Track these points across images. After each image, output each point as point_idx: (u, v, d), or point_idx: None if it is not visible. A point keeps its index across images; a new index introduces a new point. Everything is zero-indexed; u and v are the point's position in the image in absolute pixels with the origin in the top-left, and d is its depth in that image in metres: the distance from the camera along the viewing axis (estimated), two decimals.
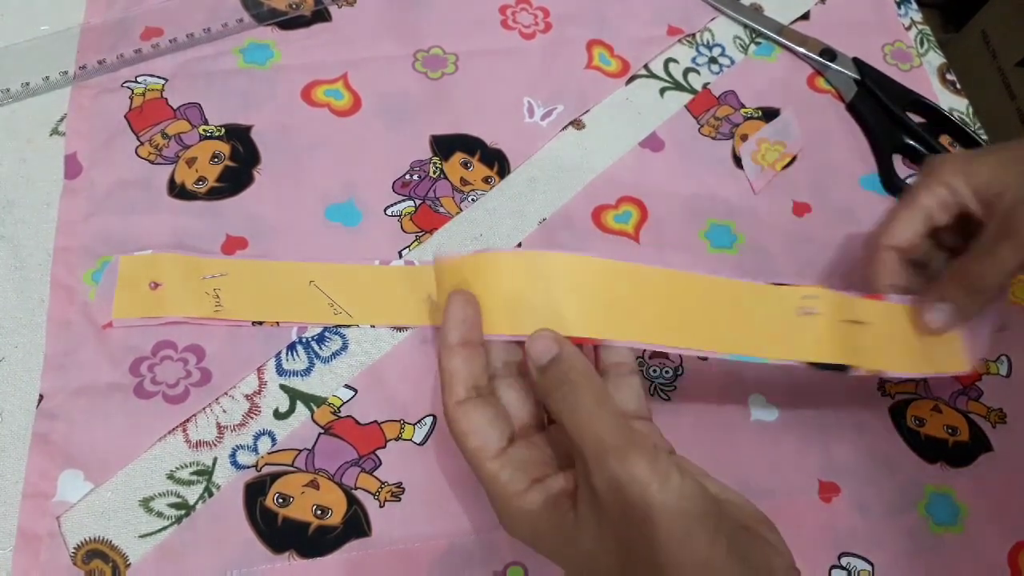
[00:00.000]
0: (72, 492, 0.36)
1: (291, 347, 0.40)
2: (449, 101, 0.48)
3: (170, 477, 0.37)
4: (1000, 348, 0.45)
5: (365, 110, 0.47)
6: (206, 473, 0.37)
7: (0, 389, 0.38)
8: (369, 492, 0.37)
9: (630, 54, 0.51)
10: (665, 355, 0.42)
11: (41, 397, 0.37)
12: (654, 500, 0.25)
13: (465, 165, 0.46)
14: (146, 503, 0.36)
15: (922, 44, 0.55)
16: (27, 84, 0.45)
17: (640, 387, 0.32)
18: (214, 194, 0.43)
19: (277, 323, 0.40)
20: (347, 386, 0.39)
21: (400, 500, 0.37)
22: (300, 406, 0.39)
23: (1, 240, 0.41)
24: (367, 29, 0.49)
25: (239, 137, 0.45)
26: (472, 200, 0.45)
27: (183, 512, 0.36)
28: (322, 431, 0.38)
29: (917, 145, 0.50)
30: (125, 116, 0.45)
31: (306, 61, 0.48)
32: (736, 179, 0.48)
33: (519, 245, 0.44)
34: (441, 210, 0.44)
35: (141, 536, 0.35)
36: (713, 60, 0.52)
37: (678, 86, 0.51)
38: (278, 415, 0.38)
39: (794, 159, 0.49)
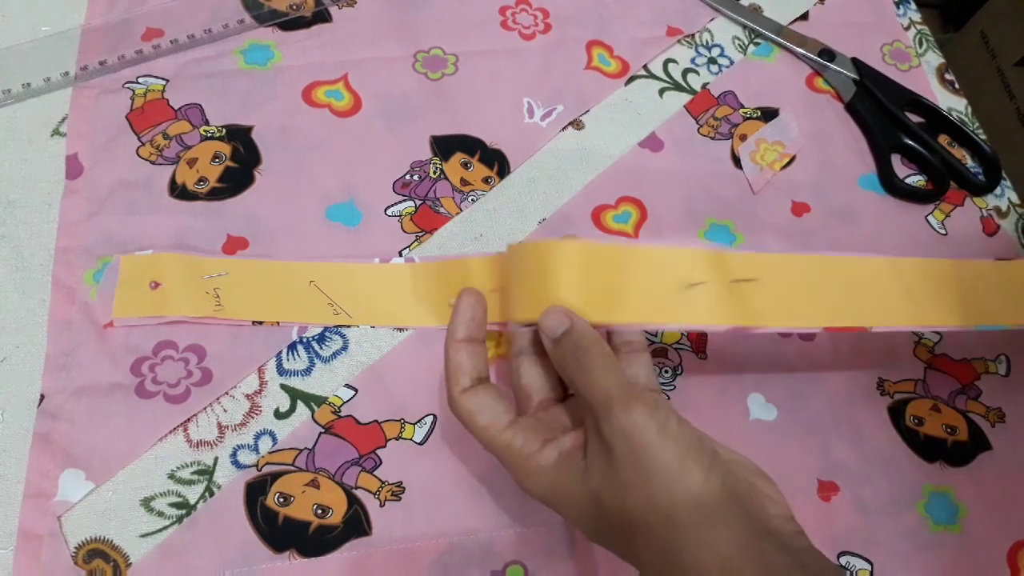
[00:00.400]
0: (73, 492, 0.36)
1: (292, 347, 0.40)
2: (449, 102, 0.48)
3: (171, 477, 0.37)
4: (999, 348, 0.45)
5: (365, 111, 0.47)
6: (207, 472, 0.37)
7: (1, 389, 0.38)
8: (369, 491, 0.37)
9: (629, 55, 0.51)
10: (665, 354, 0.42)
11: (42, 397, 0.38)
12: (653, 441, 0.28)
13: (465, 165, 0.46)
14: (147, 503, 0.36)
15: (921, 44, 0.55)
16: (28, 85, 0.45)
17: (650, 363, 0.34)
18: (215, 194, 0.43)
19: (277, 323, 0.40)
20: (348, 386, 0.40)
21: (400, 499, 0.37)
22: (301, 406, 0.39)
23: (2, 240, 0.41)
24: (367, 30, 0.50)
25: (240, 138, 0.45)
26: (472, 200, 0.45)
27: (184, 511, 0.36)
28: (323, 431, 0.38)
29: (916, 145, 0.50)
30: (126, 117, 0.45)
31: (307, 62, 0.48)
32: (735, 179, 0.48)
33: None
34: (441, 210, 0.45)
35: (142, 535, 0.36)
36: (712, 60, 0.52)
37: (677, 86, 0.51)
38: (279, 415, 0.38)
39: (793, 159, 0.49)
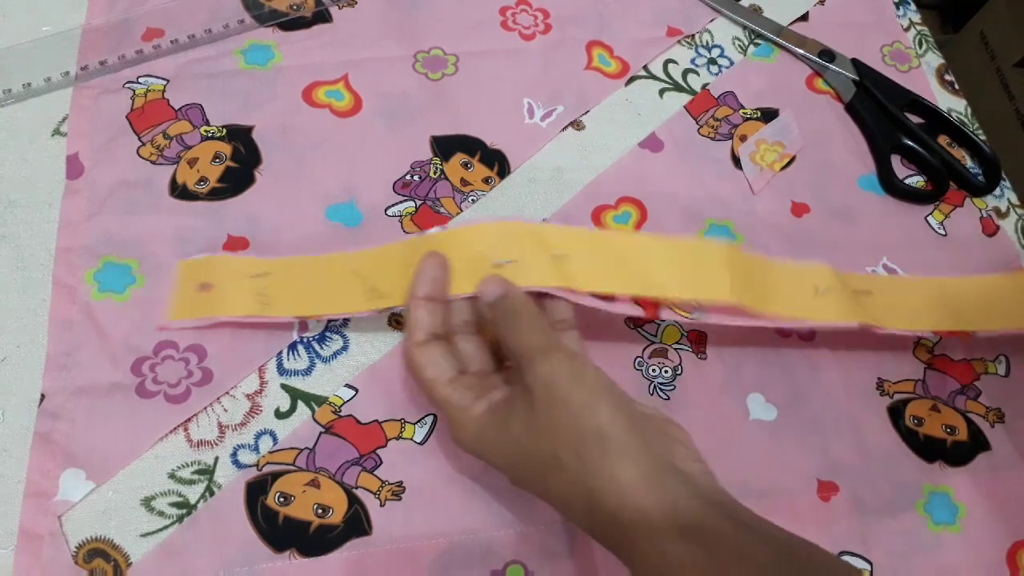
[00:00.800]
0: (74, 491, 0.36)
1: (292, 347, 0.40)
2: (449, 102, 0.48)
3: (171, 476, 0.37)
4: (999, 348, 0.45)
5: (366, 111, 0.47)
6: (207, 472, 0.37)
7: (2, 388, 0.38)
8: (370, 491, 0.37)
9: (630, 55, 0.51)
10: (665, 354, 0.42)
11: (43, 396, 0.38)
12: (567, 384, 0.31)
13: (465, 166, 0.46)
14: (147, 502, 0.36)
15: (920, 45, 0.55)
16: (29, 85, 0.45)
17: (578, 338, 0.36)
18: (215, 194, 0.43)
19: (325, 318, 0.40)
20: (348, 385, 0.40)
21: (401, 499, 0.37)
22: (301, 405, 0.39)
23: (3, 240, 0.41)
24: (368, 30, 0.50)
25: (240, 138, 0.45)
26: (472, 201, 0.45)
27: (184, 511, 0.36)
28: (323, 430, 0.38)
29: (915, 145, 0.50)
30: (127, 117, 0.45)
31: (307, 62, 0.48)
32: (735, 179, 0.48)
33: None
34: (441, 210, 0.45)
35: (142, 535, 0.36)
36: (712, 61, 0.52)
37: (677, 87, 0.51)
38: (279, 414, 0.38)
39: (793, 159, 0.49)
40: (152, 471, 0.37)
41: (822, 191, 0.48)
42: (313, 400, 0.39)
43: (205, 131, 0.45)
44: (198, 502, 0.36)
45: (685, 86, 0.51)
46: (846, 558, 0.39)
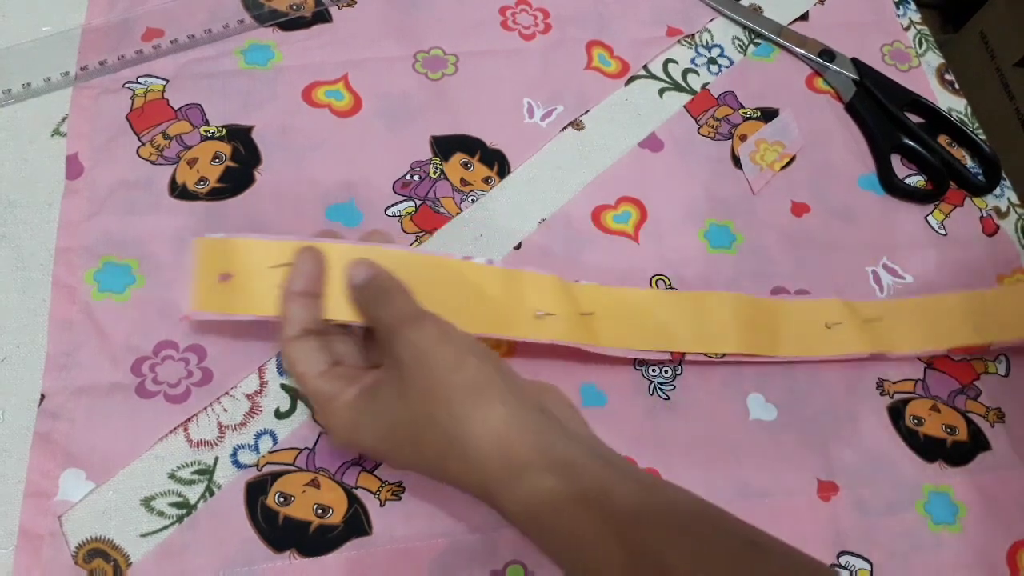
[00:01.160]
0: (74, 491, 0.36)
1: None
2: (449, 102, 0.48)
3: (171, 476, 0.37)
4: (999, 348, 0.45)
5: (366, 111, 0.47)
6: (207, 472, 0.37)
7: (2, 388, 0.38)
8: (370, 491, 0.37)
9: (629, 55, 0.51)
10: (665, 354, 0.42)
11: (43, 396, 0.38)
12: (436, 345, 0.32)
13: (465, 165, 0.46)
14: (147, 502, 0.36)
15: (921, 44, 0.55)
16: (28, 85, 0.45)
17: None
18: (215, 195, 0.43)
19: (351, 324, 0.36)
20: None
21: (400, 499, 0.37)
22: (301, 405, 0.39)
23: (3, 240, 0.41)
24: (367, 30, 0.50)
25: (240, 138, 0.45)
26: (472, 200, 0.45)
27: (184, 511, 0.36)
28: (324, 431, 0.38)
29: (915, 145, 0.50)
30: (126, 117, 0.45)
31: (307, 62, 0.48)
32: (735, 179, 0.48)
33: (519, 246, 0.44)
34: (441, 210, 0.45)
35: (142, 535, 0.36)
36: (712, 61, 0.52)
37: (677, 87, 0.51)
38: (279, 414, 0.38)
39: (793, 159, 0.49)
40: (152, 471, 0.37)
41: (822, 191, 0.48)
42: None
43: (205, 131, 0.45)
44: (198, 502, 0.36)
45: (685, 86, 0.51)
46: (846, 558, 0.39)
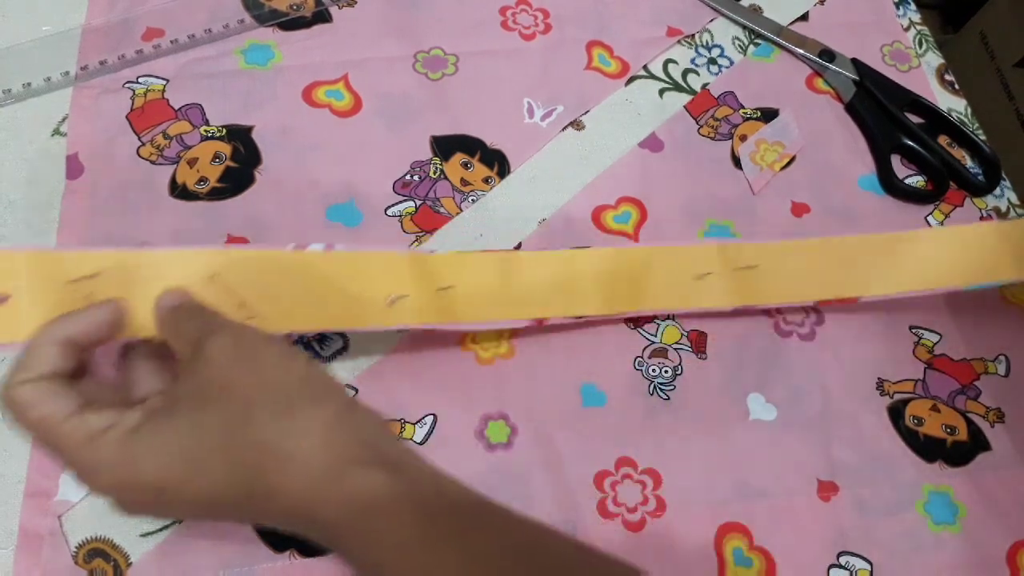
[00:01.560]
0: (73, 491, 0.36)
1: None
2: (449, 102, 0.48)
3: None
4: (999, 348, 0.45)
5: (366, 111, 0.47)
6: None
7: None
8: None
9: (629, 55, 0.51)
10: (665, 354, 0.42)
11: None
12: (261, 344, 0.29)
13: (465, 165, 0.46)
14: None
15: (921, 45, 0.55)
16: (28, 84, 0.45)
17: None
18: (215, 194, 0.43)
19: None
20: (348, 385, 0.39)
21: None
22: None
23: (2, 240, 0.41)
24: (368, 30, 0.50)
25: (240, 138, 0.45)
26: (472, 200, 0.45)
27: None
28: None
29: (916, 146, 0.50)
30: (126, 117, 0.45)
31: (307, 62, 0.48)
32: (735, 179, 0.48)
33: (519, 245, 0.44)
34: (441, 210, 0.45)
35: (142, 535, 0.35)
36: (712, 61, 0.52)
37: (677, 87, 0.51)
38: None
39: (793, 159, 0.49)
40: None
41: (822, 191, 0.48)
42: None
43: (205, 131, 0.45)
44: None
45: (685, 86, 0.51)
46: (846, 558, 0.39)
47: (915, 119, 0.51)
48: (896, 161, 0.50)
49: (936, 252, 0.44)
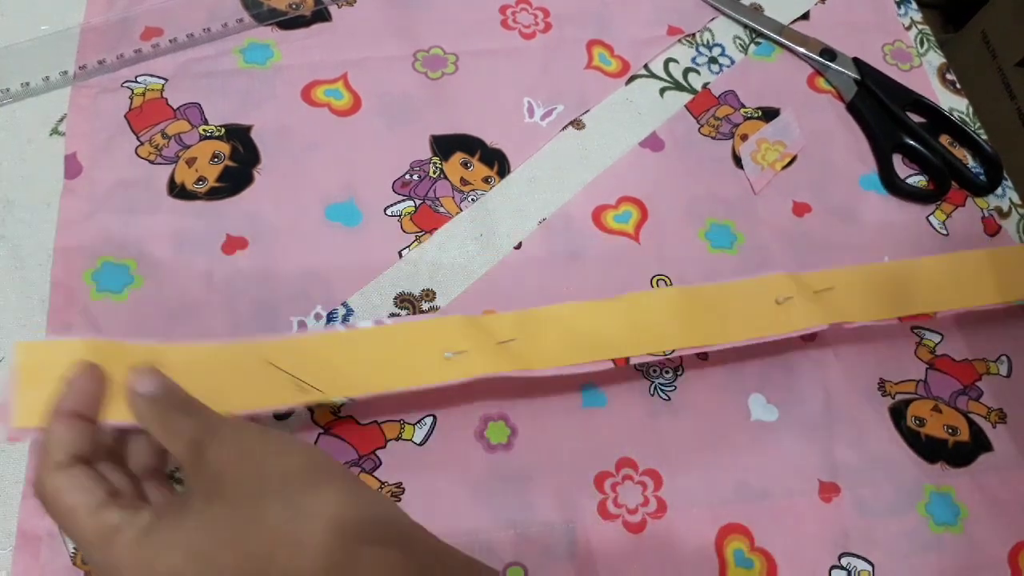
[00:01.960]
0: None
1: None
2: (449, 101, 0.48)
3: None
4: (1000, 348, 0.45)
5: (365, 110, 0.47)
6: None
7: (1, 388, 0.38)
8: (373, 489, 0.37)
9: (630, 54, 0.51)
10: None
11: None
12: (261, 437, 0.29)
13: (465, 165, 0.46)
14: None
15: (922, 44, 0.55)
16: (27, 84, 0.45)
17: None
18: (214, 194, 0.43)
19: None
20: None
21: (400, 500, 0.37)
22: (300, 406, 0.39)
23: (1, 240, 0.41)
24: (367, 29, 0.49)
25: (239, 137, 0.45)
26: (472, 200, 0.45)
27: None
28: (322, 431, 0.38)
29: (917, 145, 0.50)
30: (125, 116, 0.45)
31: (306, 61, 0.48)
32: (736, 179, 0.48)
33: (519, 245, 0.44)
34: (441, 210, 0.44)
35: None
36: (713, 60, 0.52)
37: (678, 86, 0.51)
38: (278, 415, 0.38)
39: (794, 159, 0.49)
40: None
41: (823, 191, 0.48)
42: None
43: (204, 130, 0.45)
44: None
45: (686, 85, 0.51)
46: (847, 559, 0.39)
47: (916, 118, 0.51)
48: (898, 160, 0.50)
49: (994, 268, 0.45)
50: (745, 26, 0.54)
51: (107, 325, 0.39)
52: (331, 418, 0.39)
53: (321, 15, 0.50)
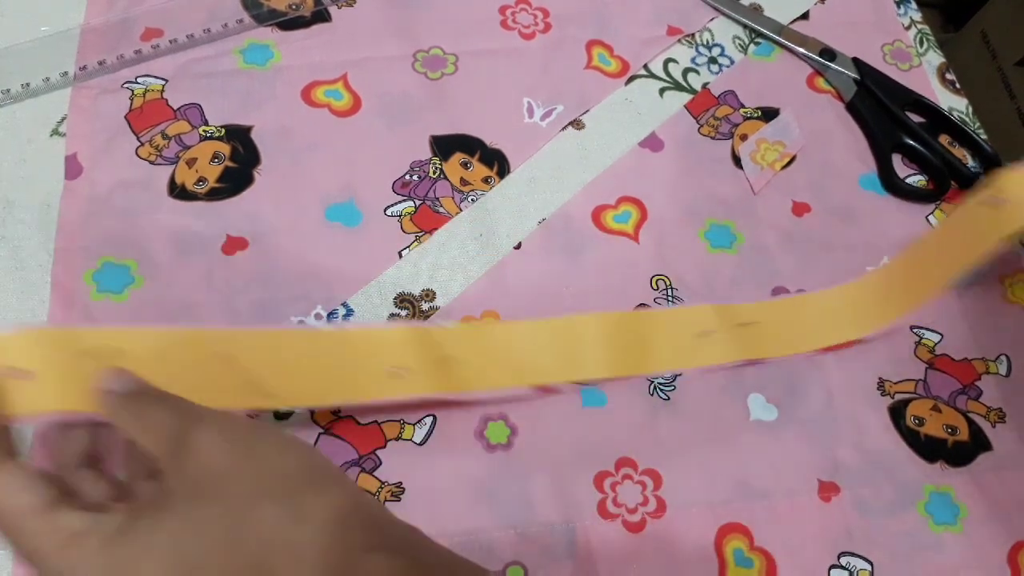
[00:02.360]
0: None
1: None
2: (449, 101, 0.48)
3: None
4: (1000, 348, 0.45)
5: (365, 110, 0.47)
6: None
7: None
8: (369, 492, 0.37)
9: (630, 54, 0.51)
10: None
11: None
12: (254, 434, 0.27)
13: (465, 165, 0.46)
14: None
15: (922, 44, 0.55)
16: (27, 85, 0.45)
17: None
18: (214, 195, 0.43)
19: None
20: None
21: (400, 500, 0.37)
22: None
23: (1, 241, 0.41)
24: (367, 29, 0.50)
25: (239, 138, 0.45)
26: (472, 200, 0.45)
27: None
28: (322, 431, 0.38)
29: (917, 145, 0.50)
30: (125, 117, 0.45)
31: (306, 61, 0.48)
32: (736, 179, 0.48)
33: (519, 246, 0.44)
34: (441, 210, 0.45)
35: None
36: (713, 60, 0.52)
37: (678, 86, 0.51)
38: (278, 415, 0.38)
39: (793, 159, 0.49)
40: None
41: (823, 191, 0.48)
42: None
43: (204, 131, 0.45)
44: None
45: (685, 85, 0.51)
46: (846, 559, 0.39)
47: (916, 118, 0.51)
48: (897, 160, 0.50)
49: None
50: (745, 26, 0.54)
51: (107, 325, 0.39)
52: (331, 418, 0.39)
53: (321, 15, 0.50)
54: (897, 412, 0.42)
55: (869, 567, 0.39)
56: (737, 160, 0.49)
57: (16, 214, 0.42)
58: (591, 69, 0.51)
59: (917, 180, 0.50)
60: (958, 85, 0.54)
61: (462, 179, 0.46)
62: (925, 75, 0.54)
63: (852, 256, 0.46)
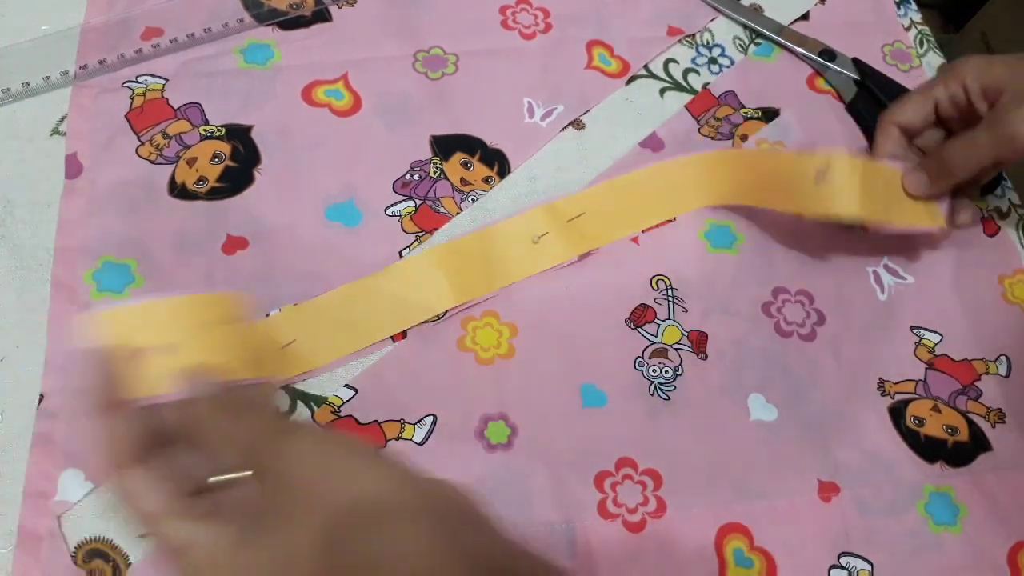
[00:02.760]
0: (73, 491, 0.36)
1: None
2: (449, 101, 0.48)
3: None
4: (1000, 348, 0.45)
5: (365, 110, 0.47)
6: None
7: (1, 388, 0.38)
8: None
9: (630, 54, 0.51)
10: (665, 354, 0.42)
11: (42, 396, 0.37)
12: (333, 451, 0.27)
13: (465, 165, 0.46)
14: None
15: (922, 44, 0.55)
16: (28, 84, 0.45)
17: None
18: (215, 194, 0.43)
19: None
20: (348, 386, 0.39)
21: None
22: (300, 405, 0.39)
23: (2, 240, 0.41)
24: (367, 29, 0.50)
25: (239, 137, 0.45)
26: (472, 200, 0.45)
27: None
28: None
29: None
30: (126, 116, 0.45)
31: (306, 61, 0.48)
32: None
33: None
34: (441, 210, 0.45)
35: (142, 535, 0.35)
36: (713, 60, 0.52)
37: (678, 86, 0.51)
38: (306, 401, 0.38)
39: None
40: None
41: None
42: (313, 400, 0.39)
43: (204, 130, 0.45)
44: None
45: (686, 85, 0.51)
46: (846, 559, 0.39)
47: None
48: None
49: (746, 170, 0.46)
50: (745, 26, 0.54)
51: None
52: (332, 418, 0.39)
53: (321, 15, 0.50)
54: (897, 412, 0.42)
55: (869, 567, 0.39)
56: None
57: (16, 213, 0.42)
58: (591, 69, 0.51)
59: None
60: None
61: (462, 179, 0.46)
62: (925, 76, 0.54)
63: (852, 256, 0.46)
